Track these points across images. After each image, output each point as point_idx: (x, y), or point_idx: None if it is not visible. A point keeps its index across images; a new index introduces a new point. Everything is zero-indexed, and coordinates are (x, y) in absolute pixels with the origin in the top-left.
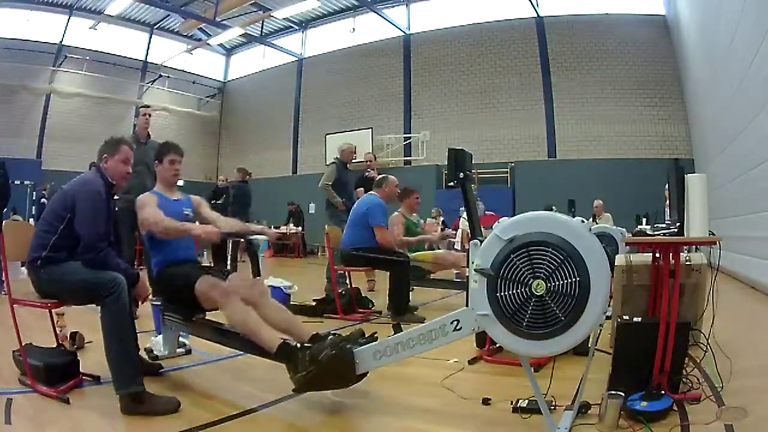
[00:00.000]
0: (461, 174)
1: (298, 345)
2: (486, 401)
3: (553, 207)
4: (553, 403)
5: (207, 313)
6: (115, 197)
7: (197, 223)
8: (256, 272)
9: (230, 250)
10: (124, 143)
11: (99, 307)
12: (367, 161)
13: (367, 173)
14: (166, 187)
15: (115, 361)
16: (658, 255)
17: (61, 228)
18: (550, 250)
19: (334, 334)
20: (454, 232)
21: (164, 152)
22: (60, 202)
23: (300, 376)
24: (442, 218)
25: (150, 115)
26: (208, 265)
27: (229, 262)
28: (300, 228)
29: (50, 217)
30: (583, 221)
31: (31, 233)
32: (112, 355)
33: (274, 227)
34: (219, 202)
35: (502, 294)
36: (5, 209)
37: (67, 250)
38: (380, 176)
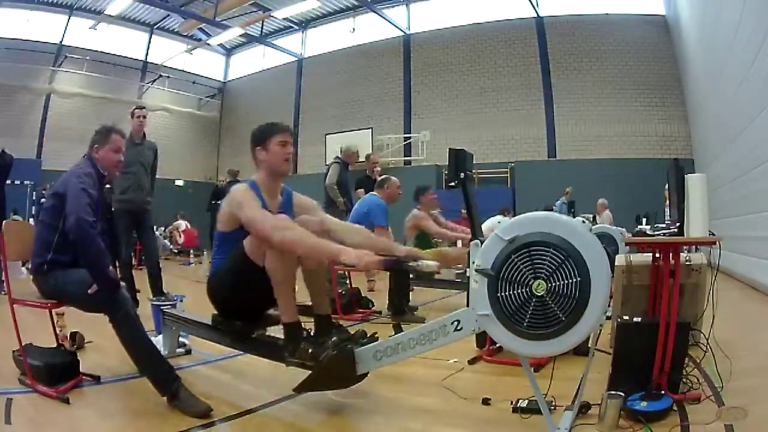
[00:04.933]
0: (462, 174)
1: (304, 333)
2: (486, 401)
3: (554, 207)
4: (553, 403)
5: (268, 328)
6: (111, 198)
7: None
8: None
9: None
10: (115, 132)
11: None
12: (373, 162)
13: (371, 174)
14: (271, 184)
15: (145, 369)
16: (658, 255)
17: (60, 225)
18: (551, 250)
19: (341, 326)
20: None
21: (271, 132)
22: (55, 198)
23: (292, 361)
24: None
25: (145, 117)
26: None
27: None
28: None
29: (48, 216)
30: (583, 221)
31: (31, 233)
32: (141, 366)
33: None
34: (218, 202)
35: (503, 294)
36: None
37: (71, 251)
38: (382, 177)
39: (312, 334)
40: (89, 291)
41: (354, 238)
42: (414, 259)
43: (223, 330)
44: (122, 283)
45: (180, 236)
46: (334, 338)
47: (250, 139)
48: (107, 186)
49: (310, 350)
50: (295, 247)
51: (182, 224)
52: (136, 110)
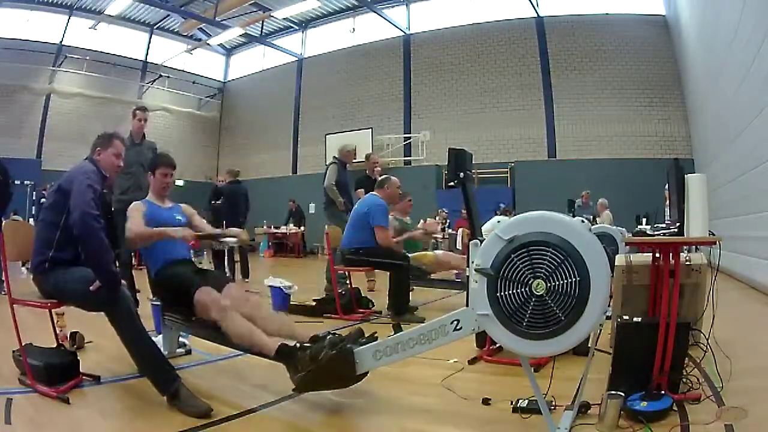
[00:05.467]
0: (461, 174)
1: (298, 345)
2: (486, 401)
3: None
4: (553, 403)
5: None
6: (112, 197)
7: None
8: (245, 272)
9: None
10: (116, 138)
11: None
12: (373, 162)
13: (372, 174)
14: (158, 197)
15: (146, 369)
16: (658, 255)
17: (63, 222)
18: (550, 249)
19: (333, 334)
20: (455, 232)
21: (157, 164)
22: (58, 194)
23: (300, 376)
24: (448, 220)
25: (146, 120)
26: (206, 269)
27: (226, 263)
28: (300, 228)
29: (50, 214)
30: (583, 221)
31: (31, 233)
32: (142, 365)
33: (274, 227)
34: (218, 202)
35: (503, 294)
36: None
37: (72, 249)
38: (382, 177)
39: (306, 345)
40: (91, 288)
41: (203, 227)
42: (222, 237)
43: (171, 314)
44: (123, 281)
45: None
46: (331, 337)
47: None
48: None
49: (308, 352)
50: (141, 238)
51: None
52: (137, 111)
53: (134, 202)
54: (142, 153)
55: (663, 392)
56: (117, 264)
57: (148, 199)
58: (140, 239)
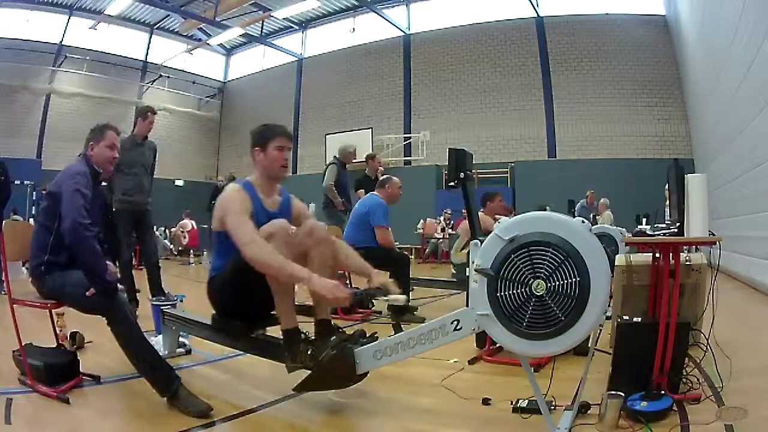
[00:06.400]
0: (462, 174)
1: (304, 336)
2: (486, 401)
3: (548, 207)
4: (553, 403)
5: (268, 328)
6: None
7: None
8: None
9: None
10: (109, 129)
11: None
12: (378, 162)
13: (373, 174)
14: (268, 185)
15: (145, 372)
16: (658, 255)
17: (55, 227)
18: (551, 250)
19: (340, 330)
20: (455, 231)
21: (269, 135)
22: (50, 199)
23: (293, 366)
24: (452, 221)
25: (153, 122)
26: None
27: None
28: None
29: (43, 218)
30: (583, 221)
31: (31, 233)
32: (140, 368)
33: None
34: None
35: (503, 294)
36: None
37: (67, 253)
38: (384, 177)
39: (311, 338)
40: (87, 293)
41: (348, 261)
42: (385, 293)
43: (223, 329)
44: (120, 286)
45: (185, 237)
46: (333, 338)
47: (250, 139)
48: (104, 183)
49: (309, 351)
50: (260, 266)
51: (188, 224)
52: (149, 113)
53: (234, 188)
54: (144, 153)
55: (663, 392)
56: (117, 263)
57: (252, 186)
58: (259, 265)
